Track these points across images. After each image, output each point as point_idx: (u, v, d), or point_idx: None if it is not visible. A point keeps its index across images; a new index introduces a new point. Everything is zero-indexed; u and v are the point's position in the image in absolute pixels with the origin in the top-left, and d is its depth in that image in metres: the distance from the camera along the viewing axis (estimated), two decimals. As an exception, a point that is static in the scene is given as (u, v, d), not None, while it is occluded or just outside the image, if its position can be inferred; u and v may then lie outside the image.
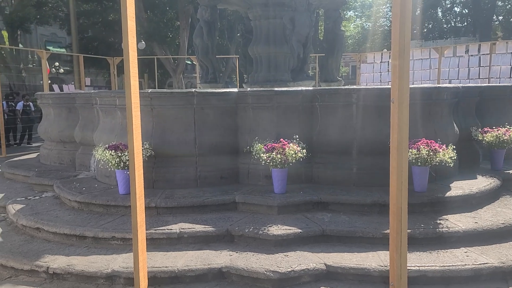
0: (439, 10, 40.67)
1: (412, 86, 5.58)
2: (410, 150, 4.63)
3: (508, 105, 6.76)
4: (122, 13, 2.03)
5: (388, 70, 14.50)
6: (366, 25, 43.10)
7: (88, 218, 4.53)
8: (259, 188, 5.04)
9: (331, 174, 5.25)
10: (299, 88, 5.37)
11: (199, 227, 4.19)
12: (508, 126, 5.96)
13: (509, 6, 36.49)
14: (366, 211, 4.60)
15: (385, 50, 21.62)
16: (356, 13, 43.06)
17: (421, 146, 4.63)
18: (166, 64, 23.90)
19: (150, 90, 5.08)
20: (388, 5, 41.59)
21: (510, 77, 11.88)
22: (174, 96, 5.17)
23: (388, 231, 4.10)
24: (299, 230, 4.08)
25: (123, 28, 2.06)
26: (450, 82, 12.84)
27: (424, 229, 4.12)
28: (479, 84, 8.03)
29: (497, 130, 5.81)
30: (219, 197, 4.75)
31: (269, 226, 4.16)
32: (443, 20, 41.87)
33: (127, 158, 4.50)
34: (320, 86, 8.97)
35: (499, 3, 36.78)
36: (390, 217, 2.53)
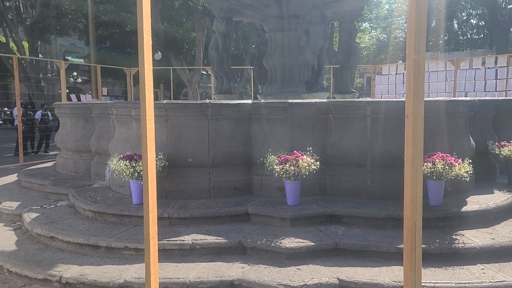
0: (455, 22, 40.39)
1: (428, 99, 5.55)
2: (425, 163, 4.58)
3: (525, 119, 6.65)
4: (139, 27, 2.07)
5: (403, 81, 14.40)
6: (382, 36, 43.06)
7: (102, 228, 4.56)
8: (272, 200, 5.03)
9: (345, 187, 5.21)
10: (313, 100, 5.38)
11: (211, 239, 4.18)
12: (526, 140, 5.86)
13: (527, 18, 36.04)
14: (380, 225, 4.54)
15: (400, 61, 21.51)
16: (372, 25, 43.03)
17: (436, 160, 4.57)
18: (182, 75, 24.17)
19: (165, 101, 5.14)
20: (403, 16, 41.47)
21: (528, 90, 11.71)
22: (189, 107, 5.21)
23: (402, 245, 4.07)
24: (312, 243, 4.05)
25: (139, 42, 2.10)
26: (466, 95, 12.69)
27: (440, 244, 4.05)
28: (496, 98, 7.93)
29: (515, 144, 5.72)
30: (232, 208, 4.75)
31: (282, 239, 4.13)
32: (459, 32, 41.55)
33: (141, 169, 4.54)
34: (335, 97, 8.96)
35: (517, 14, 36.36)
36: (404, 232, 2.49)
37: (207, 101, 5.18)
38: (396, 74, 14.62)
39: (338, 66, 8.98)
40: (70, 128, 7.16)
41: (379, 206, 4.74)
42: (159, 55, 21.60)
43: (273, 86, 7.72)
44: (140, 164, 4.55)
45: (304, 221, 4.58)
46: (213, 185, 5.17)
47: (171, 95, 19.99)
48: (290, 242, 4.05)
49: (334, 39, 13.14)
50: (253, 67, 11.42)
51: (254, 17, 8.27)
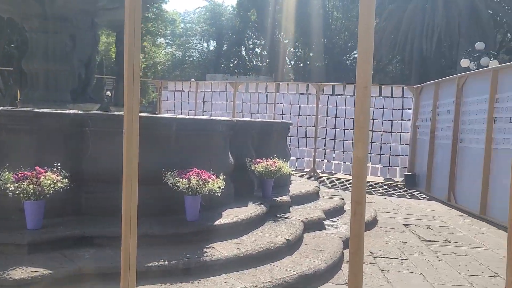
0: (243, 48, 44.77)
1: (190, 117, 5.77)
2: (181, 180, 4.67)
3: (278, 139, 7.60)
4: None
5: (189, 99, 14.94)
6: (177, 53, 44.29)
7: None
8: (11, 224, 4.32)
9: (104, 205, 4.89)
10: (67, 111, 4.92)
11: None
12: (276, 158, 6.64)
13: (299, 53, 42.60)
14: (134, 244, 4.39)
15: (193, 79, 22.40)
16: (167, 41, 43.89)
17: (191, 176, 4.70)
18: None
19: None
20: (197, 36, 43.74)
21: (290, 114, 13.58)
22: None
23: (152, 263, 4.01)
24: (49, 272, 3.60)
25: None
26: (243, 115, 13.96)
27: (189, 259, 4.14)
28: (254, 119, 8.88)
29: (266, 161, 6.41)
30: (-50, 238, 3.88)
31: (12, 270, 3.55)
32: (247, 58, 46.25)
33: None
34: (110, 110, 8.56)
35: (291, 49, 42.63)
36: (122, 253, 2.37)
37: None
38: (182, 91, 15.04)
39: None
40: None
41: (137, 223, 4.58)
42: None
43: (34, 92, 6.85)
44: None
45: (47, 246, 4.07)
46: None
47: None
48: (21, 273, 3.51)
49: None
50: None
51: (12, 13, 7.25)
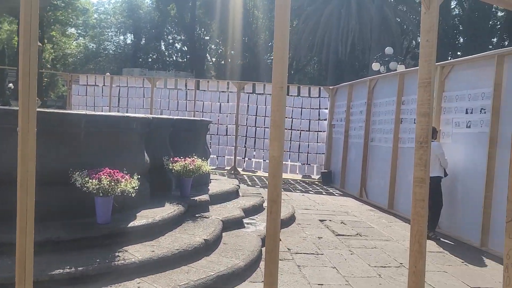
0: (162, 43, 43.56)
1: (101, 113, 5.43)
2: (91, 180, 4.37)
3: (198, 137, 7.45)
4: None
5: (102, 95, 14.17)
6: (91, 45, 41.74)
7: None
8: None
9: (3, 209, 4.41)
10: (-45, 105, 4.38)
11: None
12: (195, 157, 6.49)
13: (221, 50, 42.51)
14: (36, 251, 4.00)
15: (108, 74, 21.28)
16: (79, 31, 41.18)
17: (102, 176, 4.43)
18: None
19: None
20: (113, 29, 41.74)
21: (210, 112, 13.46)
22: None
23: (57, 271, 3.70)
24: None
25: None
26: (161, 112, 13.55)
27: (99, 264, 3.89)
28: (171, 116, 8.65)
29: (184, 160, 6.24)
30: None
31: None
32: (167, 53, 45.10)
33: None
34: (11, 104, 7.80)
35: (213, 46, 42.42)
36: (16, 262, 2.14)
37: None
38: (95, 85, 14.21)
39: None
40: None
41: (38, 229, 4.18)
42: None
43: None
44: None
45: None
46: None
47: None
48: None
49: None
50: None
51: None
